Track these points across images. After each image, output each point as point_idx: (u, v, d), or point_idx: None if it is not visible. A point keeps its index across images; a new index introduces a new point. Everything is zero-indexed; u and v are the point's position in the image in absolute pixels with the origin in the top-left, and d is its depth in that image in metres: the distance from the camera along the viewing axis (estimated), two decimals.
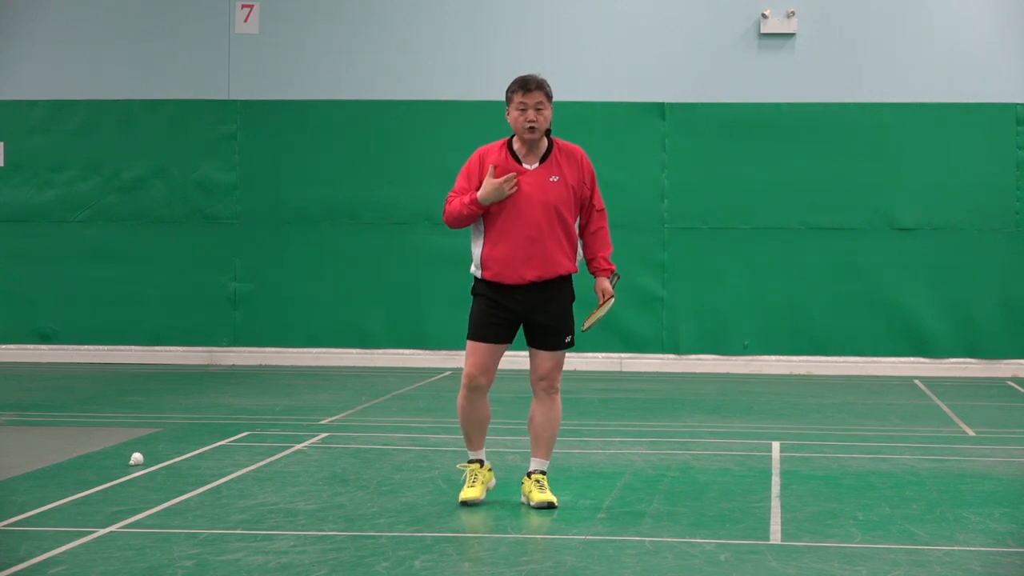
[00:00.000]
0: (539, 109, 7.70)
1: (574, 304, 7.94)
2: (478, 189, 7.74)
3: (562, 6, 16.55)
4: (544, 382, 7.84)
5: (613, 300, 7.89)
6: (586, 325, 7.92)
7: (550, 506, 7.78)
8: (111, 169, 16.87)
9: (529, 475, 7.91)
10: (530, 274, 7.73)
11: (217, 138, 16.77)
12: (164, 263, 16.77)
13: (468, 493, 7.90)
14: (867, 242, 16.09)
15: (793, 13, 16.20)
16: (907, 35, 16.17)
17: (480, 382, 7.79)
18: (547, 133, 7.84)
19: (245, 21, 16.73)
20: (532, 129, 7.71)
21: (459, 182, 7.85)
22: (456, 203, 7.78)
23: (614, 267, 7.97)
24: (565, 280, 7.86)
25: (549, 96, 7.75)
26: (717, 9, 16.35)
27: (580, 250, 7.96)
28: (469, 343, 7.83)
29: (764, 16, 16.20)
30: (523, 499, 7.94)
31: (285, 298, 16.67)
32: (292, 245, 16.69)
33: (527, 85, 7.71)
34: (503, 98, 7.86)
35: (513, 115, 7.74)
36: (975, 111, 16.00)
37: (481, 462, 7.97)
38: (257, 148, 16.75)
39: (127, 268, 16.80)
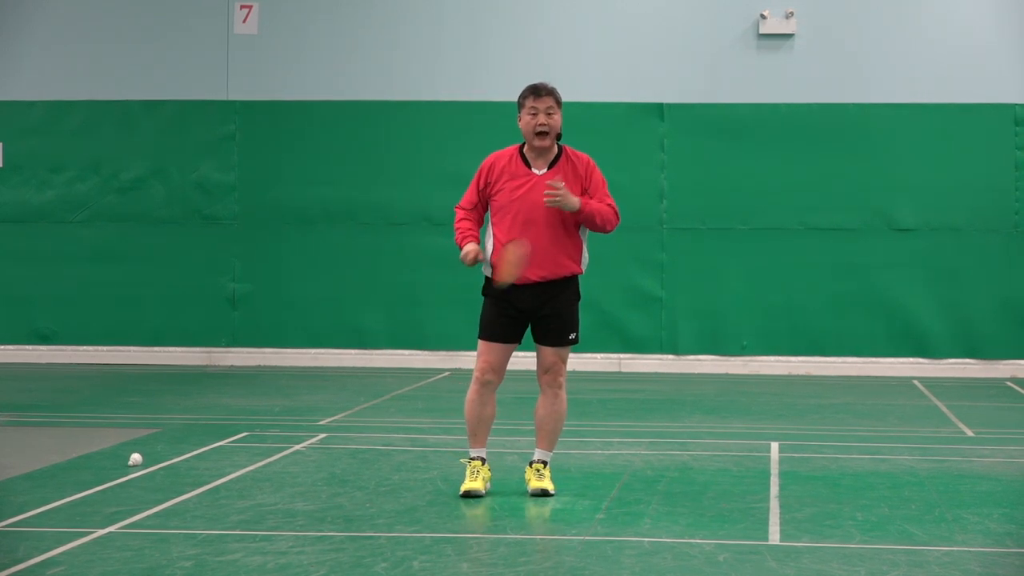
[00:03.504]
0: (549, 113, 8.02)
1: (580, 304, 8.21)
2: (483, 192, 8.09)
3: (562, 6, 16.55)
4: (548, 376, 8.15)
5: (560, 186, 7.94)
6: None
7: (544, 493, 8.13)
8: (110, 170, 16.87)
9: (531, 464, 8.21)
10: (535, 275, 8.01)
11: (216, 138, 16.77)
12: (163, 264, 16.77)
13: (470, 484, 8.13)
14: (866, 243, 16.09)
15: (792, 14, 16.20)
16: (906, 36, 16.17)
17: (490, 378, 8.14)
18: (557, 139, 8.11)
19: (244, 22, 16.72)
20: (542, 134, 8.00)
21: (469, 189, 8.17)
22: (457, 234, 8.09)
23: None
24: (570, 280, 8.14)
25: (559, 102, 8.07)
26: (716, 10, 16.35)
27: (585, 252, 8.20)
28: (480, 342, 8.15)
29: (763, 17, 16.20)
30: (527, 487, 8.24)
31: (284, 299, 16.67)
32: (291, 246, 16.69)
33: (538, 91, 8.04)
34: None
35: (525, 119, 8.05)
36: (974, 112, 16.00)
37: (483, 460, 8.21)
38: (256, 148, 16.75)
39: (126, 268, 16.80)
